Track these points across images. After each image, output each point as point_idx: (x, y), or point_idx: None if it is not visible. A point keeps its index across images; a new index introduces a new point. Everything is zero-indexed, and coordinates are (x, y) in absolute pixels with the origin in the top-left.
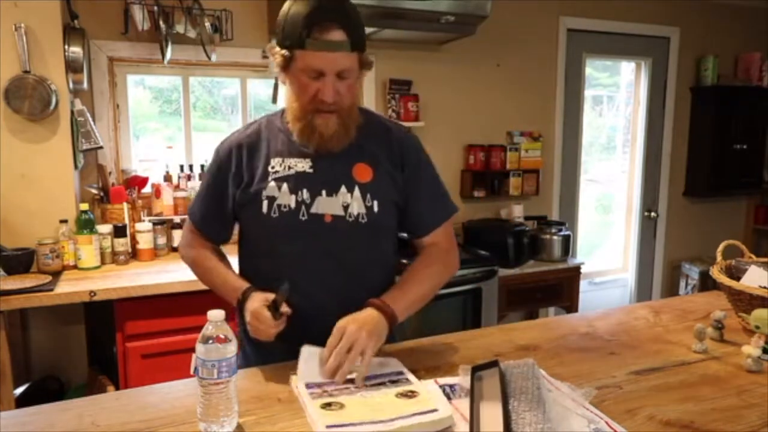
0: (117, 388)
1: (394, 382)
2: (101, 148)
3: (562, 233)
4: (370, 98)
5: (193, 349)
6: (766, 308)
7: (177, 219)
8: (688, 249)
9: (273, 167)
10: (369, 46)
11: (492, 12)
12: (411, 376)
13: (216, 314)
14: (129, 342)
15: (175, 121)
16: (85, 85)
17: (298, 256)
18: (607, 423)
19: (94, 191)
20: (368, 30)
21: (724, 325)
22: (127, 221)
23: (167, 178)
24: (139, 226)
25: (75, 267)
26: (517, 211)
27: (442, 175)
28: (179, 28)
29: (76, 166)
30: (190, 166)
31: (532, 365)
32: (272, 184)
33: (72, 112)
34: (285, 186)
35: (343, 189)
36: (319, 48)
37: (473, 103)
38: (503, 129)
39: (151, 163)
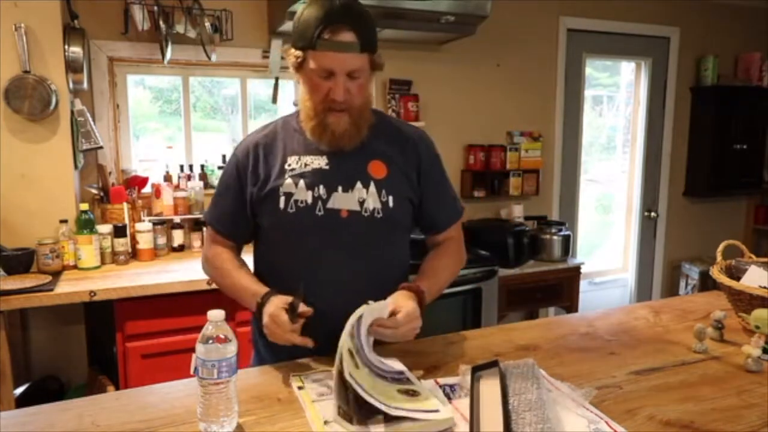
0: (117, 388)
1: (396, 380)
2: (101, 148)
3: (562, 233)
4: None
5: (193, 349)
6: (766, 308)
7: (177, 219)
8: (688, 249)
9: (290, 165)
10: None
11: (492, 12)
12: (412, 376)
13: (216, 314)
14: (129, 342)
15: (175, 121)
16: (85, 85)
17: (314, 250)
18: (607, 423)
19: (94, 191)
20: None
21: (724, 325)
22: (127, 221)
23: (167, 178)
24: (139, 226)
25: (75, 267)
26: (517, 211)
27: None
28: (179, 28)
29: (76, 166)
30: (190, 166)
31: (532, 365)
32: (289, 180)
33: (72, 112)
34: (302, 182)
35: (359, 185)
36: (329, 48)
37: (473, 103)
38: (503, 129)
39: (151, 163)
